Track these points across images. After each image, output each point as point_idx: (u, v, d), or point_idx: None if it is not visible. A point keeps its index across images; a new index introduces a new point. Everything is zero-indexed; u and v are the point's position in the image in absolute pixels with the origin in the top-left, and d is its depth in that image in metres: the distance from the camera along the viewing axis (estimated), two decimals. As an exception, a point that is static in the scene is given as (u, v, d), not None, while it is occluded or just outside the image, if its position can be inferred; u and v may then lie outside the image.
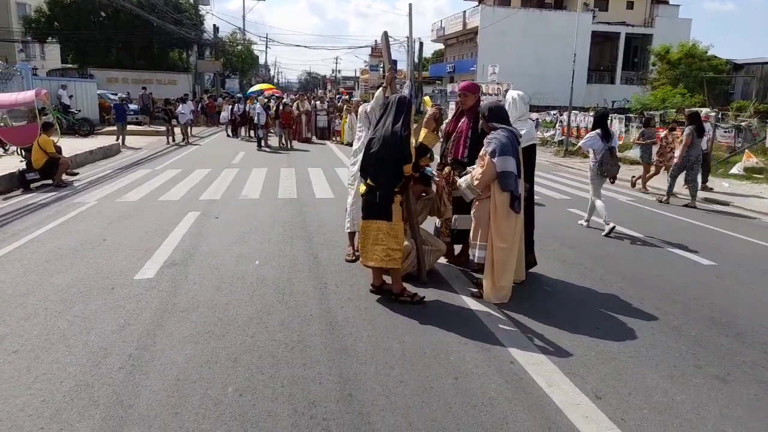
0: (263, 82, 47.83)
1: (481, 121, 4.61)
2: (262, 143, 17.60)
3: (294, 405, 2.93)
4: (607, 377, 3.36)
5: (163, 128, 18.88)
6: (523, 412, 2.93)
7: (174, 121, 18.32)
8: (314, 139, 20.39)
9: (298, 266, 5.35)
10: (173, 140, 18.23)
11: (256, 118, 17.98)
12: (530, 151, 5.08)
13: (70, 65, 33.99)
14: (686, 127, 9.90)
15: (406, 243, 4.88)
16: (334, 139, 20.45)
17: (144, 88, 26.95)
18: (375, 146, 4.33)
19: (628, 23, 40.91)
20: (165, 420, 2.77)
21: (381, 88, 5.26)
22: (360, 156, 5.12)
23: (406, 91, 5.19)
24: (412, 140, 4.40)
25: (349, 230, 5.57)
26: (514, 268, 4.55)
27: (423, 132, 4.55)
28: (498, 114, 4.54)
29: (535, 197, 5.44)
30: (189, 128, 18.86)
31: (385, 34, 5.53)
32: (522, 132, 4.93)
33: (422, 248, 4.92)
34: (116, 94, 24.80)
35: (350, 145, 13.05)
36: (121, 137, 16.79)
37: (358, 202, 5.15)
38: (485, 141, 4.41)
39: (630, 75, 41.54)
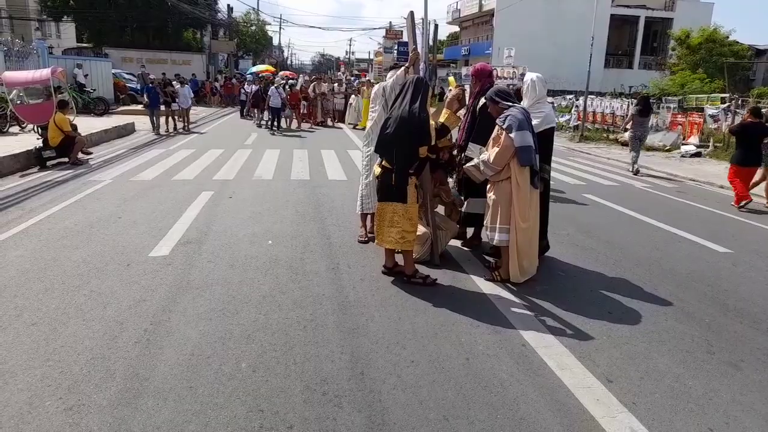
0: (275, 64, 47.64)
1: (489, 106, 4.56)
2: (274, 127, 16.99)
3: (306, 382, 2.97)
4: (619, 361, 3.36)
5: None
6: (534, 394, 2.94)
7: (174, 105, 16.04)
8: (329, 122, 19.72)
9: (310, 247, 5.37)
10: (162, 129, 15.50)
11: (269, 100, 17.24)
12: (548, 134, 5.03)
13: (86, 44, 34.14)
14: (633, 107, 12.72)
15: (424, 230, 4.88)
16: (348, 123, 20.09)
17: (143, 66, 25.98)
18: (391, 126, 4.29)
19: (648, 6, 40.07)
20: (180, 393, 2.82)
21: (403, 68, 5.20)
22: (374, 136, 5.12)
23: (420, 73, 5.13)
24: (432, 122, 4.36)
25: (361, 211, 5.57)
26: (537, 245, 4.57)
27: (445, 113, 4.52)
28: (506, 93, 4.51)
29: (551, 183, 5.39)
30: (188, 114, 16.57)
31: (411, 14, 5.45)
32: (541, 114, 4.90)
33: (437, 231, 4.92)
34: (143, 74, 24.10)
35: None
36: (157, 122, 15.30)
37: (372, 184, 5.15)
38: (498, 120, 4.36)
39: (648, 60, 40.86)
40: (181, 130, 16.08)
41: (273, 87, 17.46)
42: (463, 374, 3.11)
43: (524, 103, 4.91)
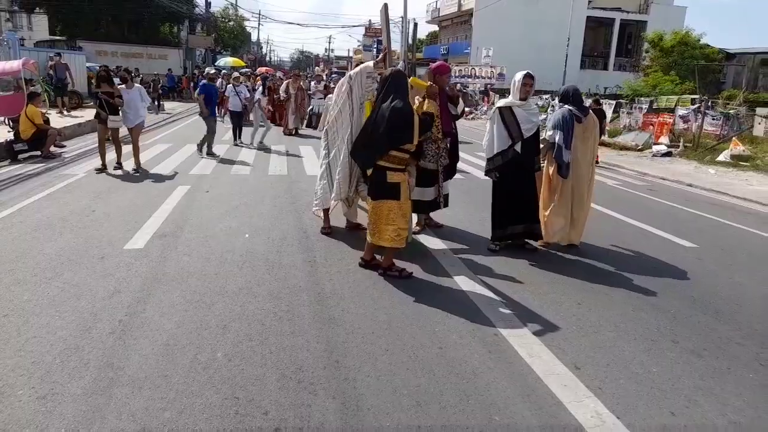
0: (254, 60, 47.25)
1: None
2: (237, 135, 12.83)
3: (282, 370, 3.00)
4: (587, 349, 3.46)
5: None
6: (505, 381, 3.02)
7: (113, 118, 8.47)
8: (303, 127, 15.73)
9: (287, 240, 5.39)
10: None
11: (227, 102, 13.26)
12: (538, 130, 5.60)
13: (59, 37, 33.37)
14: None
15: None
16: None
17: (59, 54, 18.49)
18: (382, 124, 4.25)
19: (623, 9, 40.76)
20: (155, 382, 2.83)
21: (372, 61, 5.24)
22: (336, 129, 5.25)
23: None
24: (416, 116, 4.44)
25: (317, 208, 5.64)
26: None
27: (428, 104, 4.68)
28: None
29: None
30: (137, 136, 9.01)
31: (385, 6, 5.42)
32: (536, 111, 5.48)
33: None
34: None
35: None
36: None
37: (342, 174, 5.19)
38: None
39: (623, 61, 41.56)
40: (130, 170, 8.68)
41: (230, 85, 13.33)
42: (437, 362, 3.18)
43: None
